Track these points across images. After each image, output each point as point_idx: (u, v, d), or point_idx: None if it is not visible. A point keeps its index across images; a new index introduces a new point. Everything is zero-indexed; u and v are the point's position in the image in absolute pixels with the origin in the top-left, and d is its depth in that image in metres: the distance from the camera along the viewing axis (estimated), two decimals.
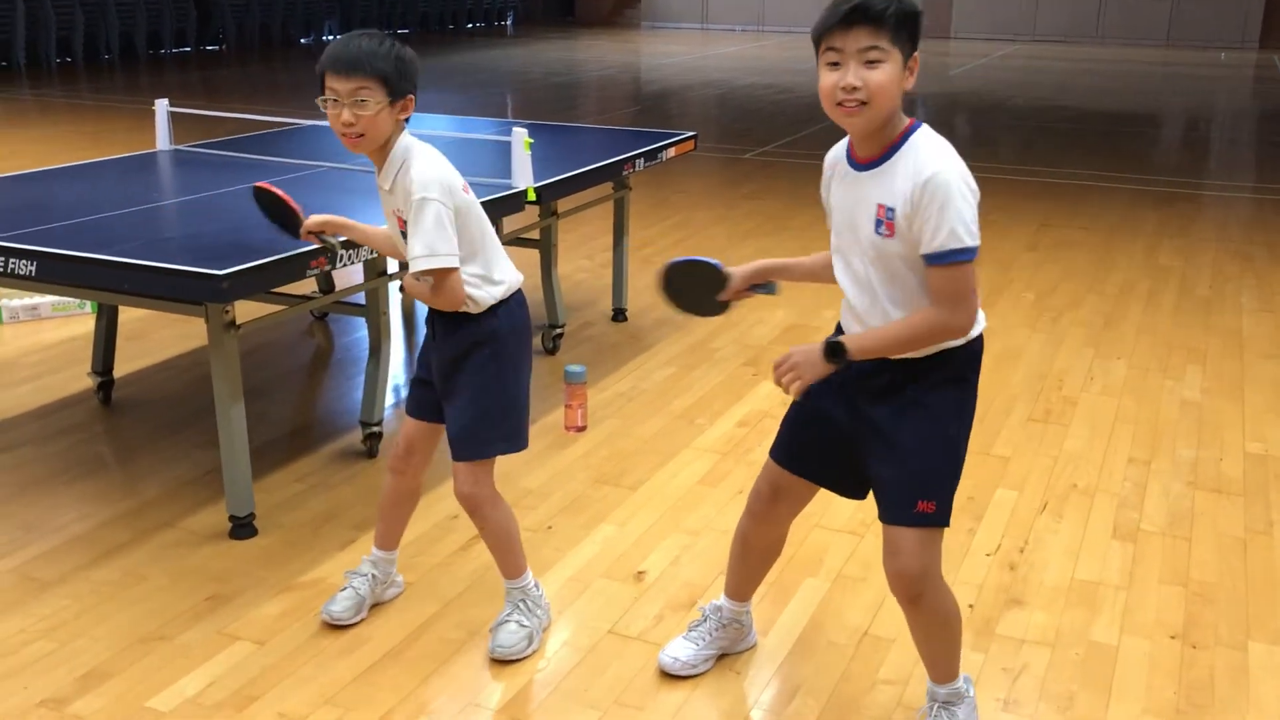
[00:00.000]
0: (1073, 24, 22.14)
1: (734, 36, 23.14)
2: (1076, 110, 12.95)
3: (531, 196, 4.14)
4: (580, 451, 3.96)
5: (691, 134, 5.36)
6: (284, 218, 2.82)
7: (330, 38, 20.41)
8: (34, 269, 3.16)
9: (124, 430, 4.14)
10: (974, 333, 2.25)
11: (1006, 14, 22.53)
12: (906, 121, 2.18)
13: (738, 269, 2.50)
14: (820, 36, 2.12)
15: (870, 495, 2.41)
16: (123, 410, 4.29)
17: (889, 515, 2.30)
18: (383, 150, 2.58)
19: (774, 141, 10.53)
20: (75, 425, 4.12)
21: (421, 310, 2.93)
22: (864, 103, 2.09)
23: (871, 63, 2.08)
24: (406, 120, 2.59)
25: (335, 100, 2.50)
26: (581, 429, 4.12)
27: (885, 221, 2.16)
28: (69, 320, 5.24)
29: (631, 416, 4.26)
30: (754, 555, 2.68)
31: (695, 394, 4.49)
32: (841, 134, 2.28)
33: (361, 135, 2.51)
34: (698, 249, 6.64)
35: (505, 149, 4.19)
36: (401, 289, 2.85)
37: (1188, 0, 21.70)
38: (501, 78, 15.46)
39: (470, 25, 24.16)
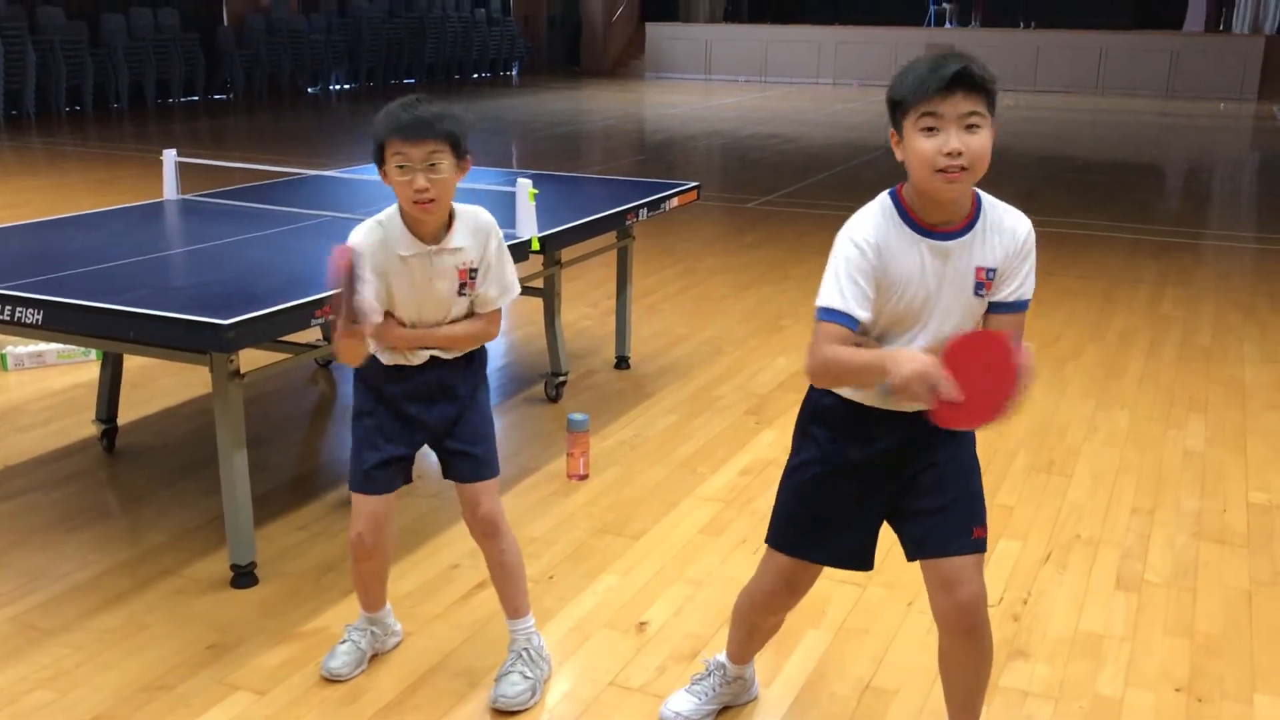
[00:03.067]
0: (1074, 75, 22.32)
1: (737, 87, 23.34)
2: (1078, 160, 13.03)
3: (536, 246, 4.17)
4: (582, 500, 3.96)
5: (694, 184, 5.40)
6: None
7: (337, 88, 20.68)
8: (40, 317, 3.18)
9: (127, 478, 4.14)
10: None
11: (1008, 64, 22.71)
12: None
13: None
14: (916, 101, 2.10)
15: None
16: (126, 458, 4.29)
17: (950, 546, 2.30)
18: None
19: (777, 191, 10.60)
20: (79, 472, 4.13)
21: None
22: (964, 168, 2.11)
23: (971, 127, 2.11)
24: None
25: (405, 166, 2.45)
26: (584, 477, 4.12)
27: (985, 283, 2.22)
28: (74, 367, 5.27)
29: (634, 465, 4.27)
30: (760, 635, 2.71)
31: (698, 442, 4.49)
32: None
33: (433, 200, 2.48)
34: (701, 297, 6.67)
35: (510, 199, 4.23)
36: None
37: (1187, 52, 21.90)
38: (506, 128, 15.58)
39: (475, 75, 24.38)
